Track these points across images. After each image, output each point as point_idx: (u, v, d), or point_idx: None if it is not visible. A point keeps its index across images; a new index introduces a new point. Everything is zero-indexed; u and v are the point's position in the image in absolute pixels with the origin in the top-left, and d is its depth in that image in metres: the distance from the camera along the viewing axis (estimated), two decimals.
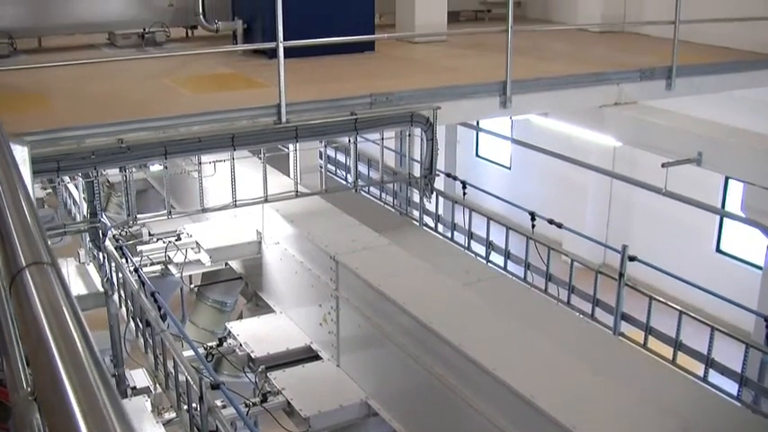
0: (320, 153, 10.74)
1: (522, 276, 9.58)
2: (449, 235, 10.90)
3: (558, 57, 10.55)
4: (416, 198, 10.59)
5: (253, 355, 7.90)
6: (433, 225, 11.13)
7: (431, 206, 10.91)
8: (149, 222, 8.99)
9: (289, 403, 7.12)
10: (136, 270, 7.99)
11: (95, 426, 1.51)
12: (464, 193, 11.65)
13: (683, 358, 8.00)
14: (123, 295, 8.22)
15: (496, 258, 10.12)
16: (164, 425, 7.58)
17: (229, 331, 8.47)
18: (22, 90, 7.85)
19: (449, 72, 9.30)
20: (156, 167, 9.58)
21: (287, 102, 7.18)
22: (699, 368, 7.86)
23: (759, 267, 12.66)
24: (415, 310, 6.16)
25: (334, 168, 13.89)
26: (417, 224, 10.78)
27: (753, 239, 12.56)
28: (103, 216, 7.51)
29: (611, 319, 8.55)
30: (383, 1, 11.29)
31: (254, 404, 7.15)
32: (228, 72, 9.03)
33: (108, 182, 10.96)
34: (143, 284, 7.58)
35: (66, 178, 9.17)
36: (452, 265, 8.69)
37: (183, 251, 9.07)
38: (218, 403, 6.33)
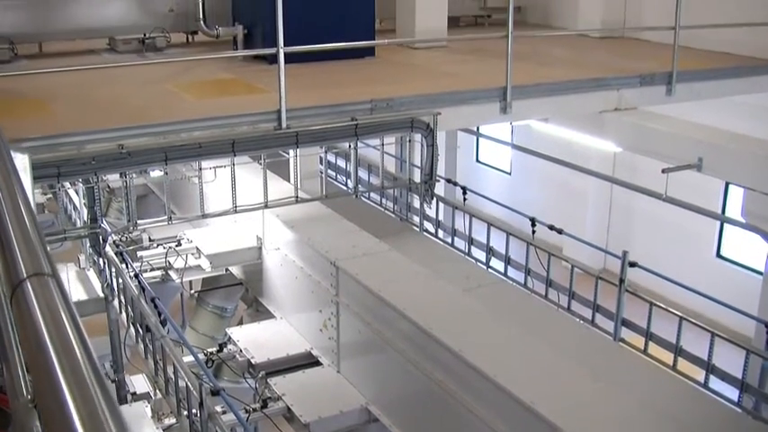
0: (320, 158, 10.73)
1: (523, 282, 9.58)
2: (449, 241, 10.90)
3: (559, 62, 10.56)
4: (417, 204, 10.60)
5: (253, 361, 7.90)
6: (433, 231, 11.13)
7: (431, 212, 10.91)
8: (150, 228, 8.99)
9: (289, 409, 7.12)
10: (136, 276, 8.00)
11: None
12: (464, 199, 11.65)
13: (683, 364, 7.99)
14: (123, 301, 8.22)
15: (497, 264, 10.12)
16: (164, 430, 7.57)
17: (230, 337, 8.48)
18: (23, 95, 7.85)
19: (449, 78, 9.30)
20: (156, 173, 9.58)
21: (287, 107, 7.18)
22: (699, 374, 7.86)
23: (759, 273, 12.65)
24: (416, 316, 6.16)
25: (334, 174, 13.89)
26: (418, 230, 10.79)
27: (753, 245, 12.55)
28: (104, 222, 7.51)
29: (611, 325, 8.55)
30: (383, 6, 11.30)
31: (255, 410, 7.15)
32: (229, 77, 9.03)
33: (108, 187, 10.96)
34: (143, 290, 7.59)
35: (67, 184, 9.18)
36: (453, 270, 8.70)
37: (184, 257, 9.07)
38: (219, 409, 6.33)
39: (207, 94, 8.30)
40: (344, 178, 13.48)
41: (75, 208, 10.40)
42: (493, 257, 10.17)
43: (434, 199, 9.42)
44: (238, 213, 8.17)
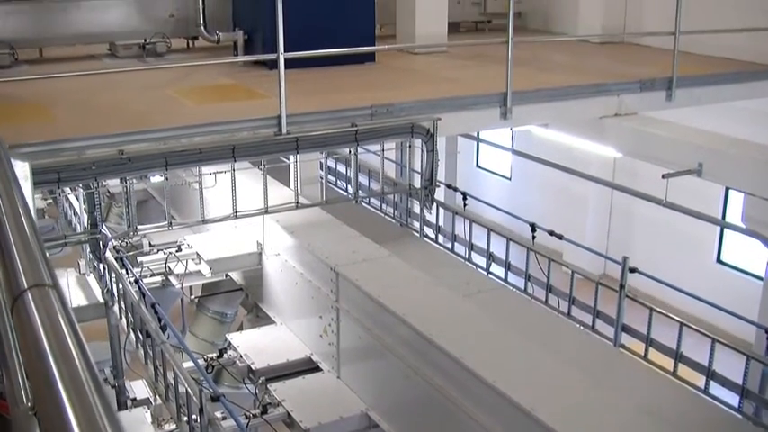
0: (321, 164, 10.74)
1: (523, 288, 9.57)
2: (449, 246, 10.89)
3: (559, 68, 10.56)
4: (417, 209, 10.58)
5: (253, 367, 7.89)
6: (433, 236, 11.11)
7: (431, 217, 10.90)
8: (150, 233, 8.98)
9: (289, 415, 7.11)
10: (136, 281, 7.99)
11: None
12: (464, 205, 11.64)
13: (683, 370, 7.98)
14: (123, 306, 8.22)
15: (497, 270, 10.11)
16: None
17: (229, 342, 8.47)
18: (24, 101, 7.86)
19: (449, 83, 9.31)
20: (156, 178, 9.58)
21: (287, 113, 7.18)
22: (700, 380, 7.85)
23: (760, 278, 12.64)
24: (416, 322, 6.16)
25: (334, 179, 13.88)
26: (418, 235, 10.77)
27: (753, 250, 12.54)
28: (104, 227, 7.51)
29: (611, 331, 8.54)
30: (384, 12, 11.32)
31: (255, 416, 7.14)
32: (229, 83, 9.04)
33: (108, 192, 10.97)
34: (143, 295, 7.58)
35: (67, 189, 9.18)
36: (453, 276, 8.68)
37: (184, 262, 9.06)
38: (218, 415, 6.32)
39: (207, 100, 8.31)
40: (345, 184, 13.47)
41: (75, 213, 10.40)
42: (493, 263, 10.15)
43: (434, 204, 9.42)
44: (238, 219, 8.17)
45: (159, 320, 7.19)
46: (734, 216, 13.82)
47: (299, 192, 8.33)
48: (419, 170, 8.49)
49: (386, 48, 10.60)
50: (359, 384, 7.21)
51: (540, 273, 9.32)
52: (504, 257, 9.92)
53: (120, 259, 8.28)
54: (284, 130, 7.21)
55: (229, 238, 9.22)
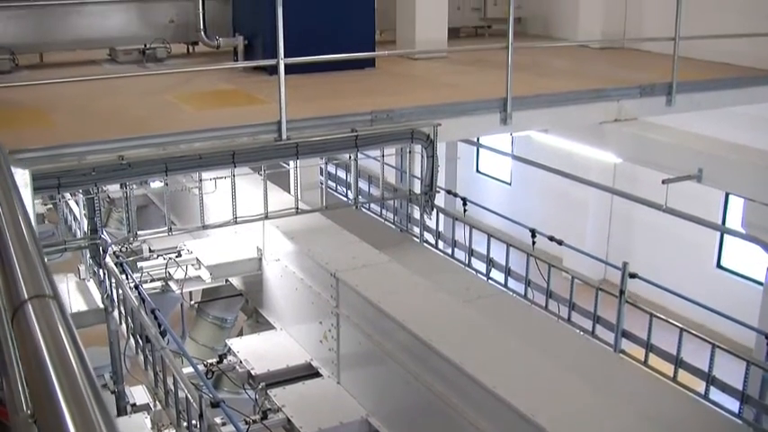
0: (321, 170, 10.74)
1: (523, 293, 9.57)
2: (449, 252, 10.89)
3: (559, 73, 10.56)
4: (417, 215, 10.59)
5: (253, 372, 7.89)
6: (433, 242, 11.12)
7: (431, 223, 10.90)
8: (150, 238, 8.98)
9: (289, 420, 7.11)
10: (136, 286, 8.00)
11: None
12: (464, 210, 11.64)
13: (684, 375, 7.98)
14: (123, 311, 8.22)
15: (497, 275, 10.11)
16: None
17: (229, 348, 8.47)
18: (24, 106, 7.85)
19: (449, 88, 9.31)
20: (156, 184, 9.58)
21: (287, 118, 7.18)
22: (700, 385, 7.84)
23: (760, 283, 12.64)
24: (416, 328, 6.16)
25: (334, 185, 13.89)
26: (418, 241, 10.78)
27: (753, 255, 12.54)
28: (104, 232, 7.51)
29: (611, 337, 8.54)
30: (383, 17, 11.31)
31: (254, 421, 7.14)
32: (229, 88, 9.04)
33: (108, 197, 10.98)
34: (143, 301, 7.58)
35: (67, 194, 9.18)
36: (453, 282, 8.69)
37: (184, 267, 9.07)
38: (218, 420, 6.32)
39: (207, 105, 8.31)
40: (345, 189, 13.48)
41: (75, 218, 10.41)
42: (493, 268, 10.16)
43: (434, 210, 9.42)
44: (238, 224, 8.17)
45: (159, 326, 7.19)
46: (734, 221, 13.81)
47: (299, 197, 8.33)
48: (419, 176, 8.49)
49: (386, 53, 10.60)
50: (359, 390, 7.21)
51: (541, 278, 9.33)
52: (504, 263, 9.93)
53: (119, 264, 8.28)
54: (284, 136, 7.20)
55: (229, 243, 9.22)
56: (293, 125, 7.27)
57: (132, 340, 8.12)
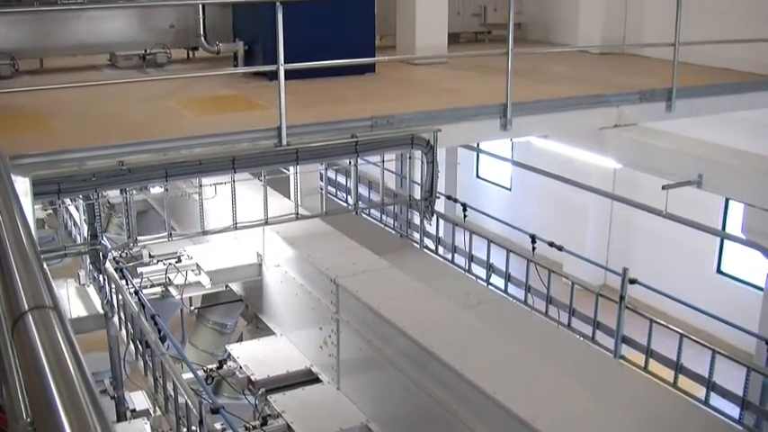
0: (321, 175, 10.74)
1: (523, 299, 9.57)
2: (449, 257, 10.90)
3: (559, 79, 10.57)
4: (417, 220, 10.58)
5: (253, 378, 7.88)
6: (433, 247, 11.12)
7: (431, 228, 10.90)
8: (150, 244, 8.98)
9: (289, 426, 7.10)
10: (136, 292, 7.99)
11: None
12: (464, 216, 11.64)
13: (684, 381, 7.97)
14: (123, 317, 8.22)
15: (497, 281, 10.11)
16: None
17: (229, 353, 8.46)
18: (24, 111, 7.86)
19: (449, 94, 9.31)
20: (156, 189, 9.59)
21: (288, 124, 7.18)
22: (700, 391, 7.84)
23: (760, 288, 12.63)
24: (416, 334, 6.15)
25: (334, 190, 13.90)
26: (418, 246, 10.78)
27: (753, 260, 12.53)
28: (104, 238, 7.51)
29: (611, 342, 8.53)
30: (384, 22, 11.33)
31: (254, 427, 7.13)
32: (229, 94, 9.04)
33: (108, 203, 10.99)
34: (143, 306, 7.58)
35: (67, 200, 9.18)
36: (453, 287, 8.68)
37: (184, 273, 9.06)
38: (218, 426, 6.31)
39: (207, 111, 8.31)
40: (345, 195, 13.49)
41: (75, 224, 10.40)
42: (493, 274, 10.16)
43: (434, 215, 9.42)
44: (238, 230, 8.17)
45: (159, 331, 7.18)
46: (734, 227, 13.82)
47: (300, 203, 8.33)
48: (419, 181, 8.49)
49: (386, 59, 10.61)
50: (359, 396, 7.20)
51: (541, 284, 9.32)
52: (504, 268, 9.93)
53: (119, 270, 8.28)
54: (284, 142, 7.21)
55: (229, 249, 9.22)
56: (293, 131, 7.28)
57: (132, 346, 8.11)
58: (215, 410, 6.08)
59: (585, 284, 9.07)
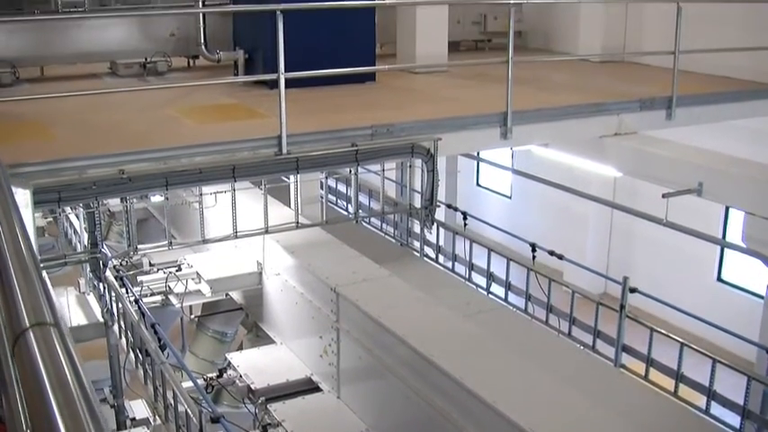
0: (321, 184, 10.74)
1: (523, 308, 9.56)
2: (449, 266, 10.88)
3: (559, 87, 10.57)
4: (417, 229, 10.58)
5: (253, 387, 7.87)
6: (433, 256, 11.11)
7: (431, 237, 10.90)
8: (150, 252, 8.98)
9: None
10: (136, 300, 7.98)
11: None
12: (465, 224, 11.64)
13: (684, 390, 7.96)
14: (123, 326, 8.21)
15: (497, 290, 10.10)
16: None
17: (229, 362, 8.45)
18: (24, 119, 7.86)
19: (449, 102, 9.32)
20: (157, 198, 9.59)
21: (288, 133, 7.19)
22: (701, 400, 7.82)
23: (760, 296, 12.63)
24: (416, 343, 6.14)
25: (334, 199, 13.89)
26: (418, 255, 10.77)
27: (754, 268, 12.53)
28: (104, 246, 7.51)
29: (612, 351, 8.52)
30: (384, 31, 11.34)
31: None
32: (230, 102, 9.05)
33: (109, 211, 10.99)
34: (143, 315, 7.57)
35: (68, 208, 9.17)
36: (453, 296, 8.68)
37: (184, 281, 9.06)
38: None
39: (208, 119, 8.32)
40: (345, 203, 13.49)
41: (75, 232, 10.40)
42: (493, 283, 10.15)
43: (435, 224, 9.41)
44: (239, 239, 8.17)
45: (159, 340, 7.18)
46: (734, 235, 13.81)
47: (300, 211, 8.33)
48: (419, 190, 8.49)
49: (386, 68, 10.62)
50: (359, 405, 7.19)
51: (541, 293, 9.31)
52: (504, 277, 9.92)
53: (120, 278, 8.28)
54: (284, 150, 7.21)
55: (229, 257, 9.21)
56: (293, 139, 7.29)
57: (132, 354, 8.10)
58: (215, 419, 6.07)
59: (586, 293, 9.06)
